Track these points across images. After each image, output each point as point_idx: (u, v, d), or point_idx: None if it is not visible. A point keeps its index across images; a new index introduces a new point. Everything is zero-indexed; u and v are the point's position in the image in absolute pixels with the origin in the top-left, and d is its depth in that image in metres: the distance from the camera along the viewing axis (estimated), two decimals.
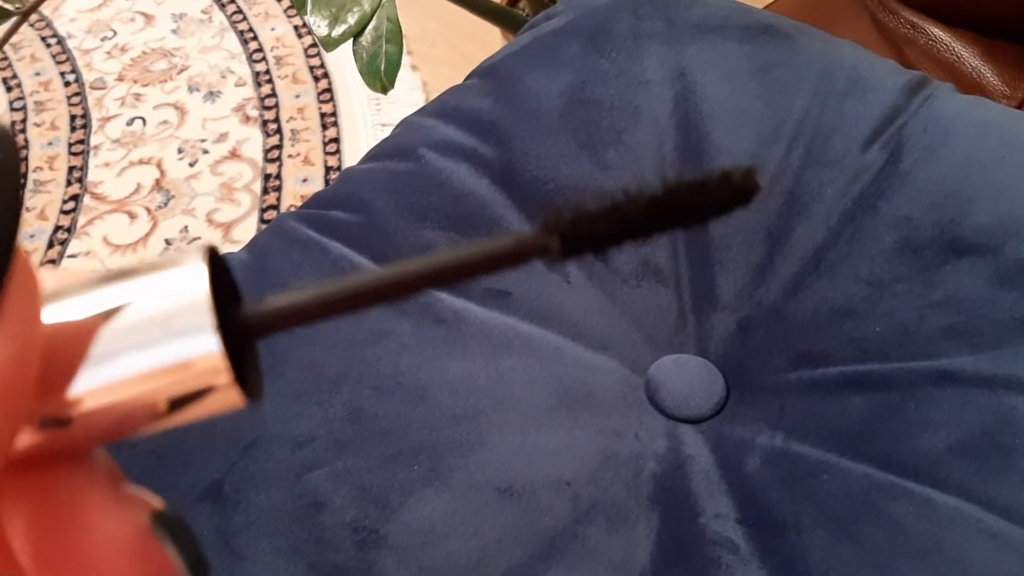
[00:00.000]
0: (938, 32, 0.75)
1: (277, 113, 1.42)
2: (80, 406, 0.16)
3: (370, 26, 0.69)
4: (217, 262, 0.17)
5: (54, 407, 0.16)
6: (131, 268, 0.17)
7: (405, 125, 0.64)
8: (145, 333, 0.16)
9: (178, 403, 0.16)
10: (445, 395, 0.49)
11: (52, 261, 1.24)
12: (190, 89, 1.48)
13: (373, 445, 0.47)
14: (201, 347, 0.16)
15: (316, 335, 0.51)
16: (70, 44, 1.58)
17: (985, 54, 0.73)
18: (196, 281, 0.16)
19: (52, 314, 0.16)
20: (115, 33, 1.60)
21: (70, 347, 0.16)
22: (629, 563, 0.44)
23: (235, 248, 0.58)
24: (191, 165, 1.35)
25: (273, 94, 1.45)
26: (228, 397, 0.17)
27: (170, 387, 0.16)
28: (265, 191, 1.30)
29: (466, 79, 0.67)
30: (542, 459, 0.47)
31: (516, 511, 0.45)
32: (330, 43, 0.70)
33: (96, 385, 0.16)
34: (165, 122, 1.42)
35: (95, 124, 1.44)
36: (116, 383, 0.16)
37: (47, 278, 0.16)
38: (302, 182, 1.31)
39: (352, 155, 1.34)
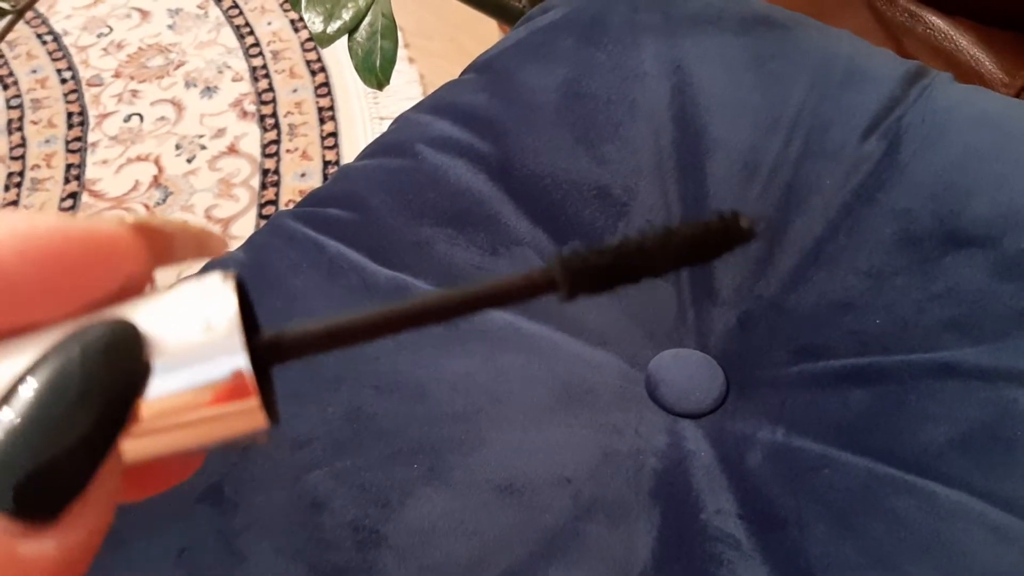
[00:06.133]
0: (936, 21, 0.75)
1: (275, 108, 1.41)
2: None
3: (365, 22, 0.69)
4: (241, 289, 0.17)
5: None
6: (153, 291, 0.17)
7: (401, 121, 0.64)
8: (171, 358, 0.16)
9: (203, 424, 0.16)
10: (444, 393, 0.49)
11: None
12: (187, 85, 1.47)
13: (372, 444, 0.47)
14: (229, 368, 0.16)
15: None
16: (66, 41, 1.58)
17: (983, 42, 0.73)
18: (224, 305, 0.16)
19: None
20: (111, 29, 1.59)
21: None
22: (630, 560, 0.44)
23: (234, 244, 0.57)
24: (189, 161, 1.35)
25: (270, 89, 1.44)
26: (253, 419, 0.17)
27: (197, 410, 0.16)
28: (263, 186, 1.30)
29: (462, 74, 0.67)
30: (542, 456, 0.47)
31: (516, 509, 0.45)
32: (325, 39, 0.69)
33: None
34: (162, 118, 1.42)
35: (92, 121, 1.43)
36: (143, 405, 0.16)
37: None
38: (300, 177, 1.31)
39: (350, 149, 1.34)
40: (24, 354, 0.15)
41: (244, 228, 1.25)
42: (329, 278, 0.53)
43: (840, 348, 0.50)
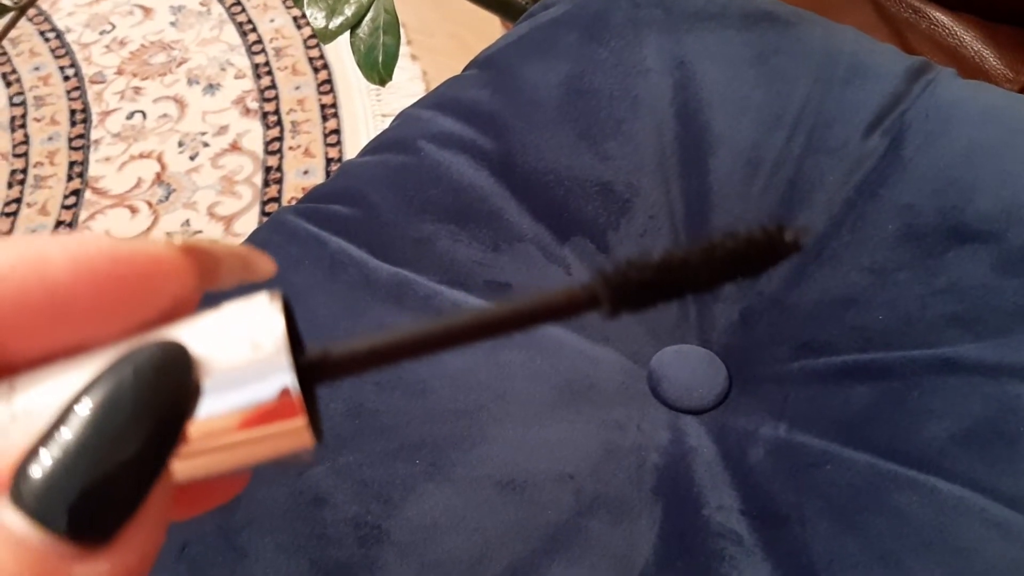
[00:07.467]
0: (940, 16, 0.75)
1: (277, 105, 1.41)
2: None
3: (367, 18, 0.69)
4: (286, 308, 0.17)
5: None
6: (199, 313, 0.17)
7: (403, 117, 0.64)
8: (220, 378, 0.16)
9: (251, 443, 0.16)
10: (446, 389, 0.49)
11: None
12: (190, 82, 1.47)
13: (374, 440, 0.47)
14: (276, 388, 0.16)
15: (315, 332, 0.50)
16: (69, 38, 1.58)
17: (987, 38, 0.73)
18: (271, 325, 0.16)
19: None
20: (114, 26, 1.59)
21: None
22: (632, 556, 0.44)
23: (236, 242, 0.57)
24: (192, 158, 1.35)
25: (273, 86, 1.44)
26: (300, 438, 0.17)
27: (245, 429, 0.16)
28: (266, 183, 1.30)
29: (464, 70, 0.67)
30: (544, 452, 0.47)
31: (518, 505, 0.45)
32: (327, 35, 0.69)
33: None
34: (165, 115, 1.42)
35: (95, 118, 1.43)
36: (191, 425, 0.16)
37: None
38: (303, 174, 1.31)
39: (353, 146, 1.34)
40: (76, 375, 0.16)
41: (247, 225, 1.25)
42: (331, 274, 0.53)
43: (842, 344, 0.50)
